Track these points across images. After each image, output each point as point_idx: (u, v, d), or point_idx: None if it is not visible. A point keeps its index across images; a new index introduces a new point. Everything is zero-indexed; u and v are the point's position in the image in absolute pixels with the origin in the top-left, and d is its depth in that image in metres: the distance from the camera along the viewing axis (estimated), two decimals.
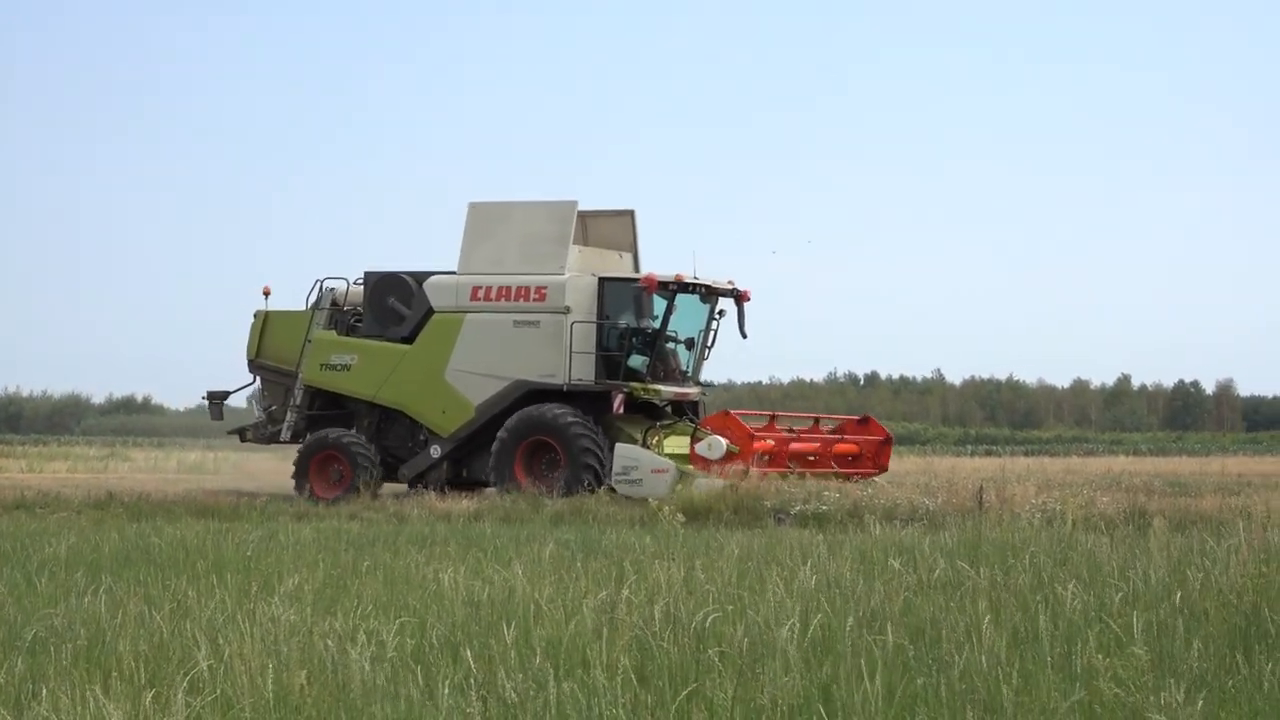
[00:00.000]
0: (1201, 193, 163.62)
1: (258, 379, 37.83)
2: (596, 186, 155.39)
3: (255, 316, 37.45)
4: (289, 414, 36.64)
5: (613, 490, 31.86)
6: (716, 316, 35.59)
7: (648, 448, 33.10)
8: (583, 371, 33.89)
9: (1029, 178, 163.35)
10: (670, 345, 35.12)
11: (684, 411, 35.54)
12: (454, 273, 35.42)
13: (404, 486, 35.73)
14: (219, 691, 9.81)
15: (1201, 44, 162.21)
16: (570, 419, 33.14)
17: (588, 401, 33.79)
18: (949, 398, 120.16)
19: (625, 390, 33.78)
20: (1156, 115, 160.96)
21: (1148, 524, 20.24)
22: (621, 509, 28.55)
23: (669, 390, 34.71)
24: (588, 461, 32.66)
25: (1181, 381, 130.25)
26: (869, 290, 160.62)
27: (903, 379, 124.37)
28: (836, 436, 35.14)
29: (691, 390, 35.51)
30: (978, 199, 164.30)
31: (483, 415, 34.42)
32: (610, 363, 34.05)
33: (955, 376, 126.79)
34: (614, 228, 36.49)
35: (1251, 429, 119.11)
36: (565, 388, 33.75)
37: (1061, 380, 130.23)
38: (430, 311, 35.30)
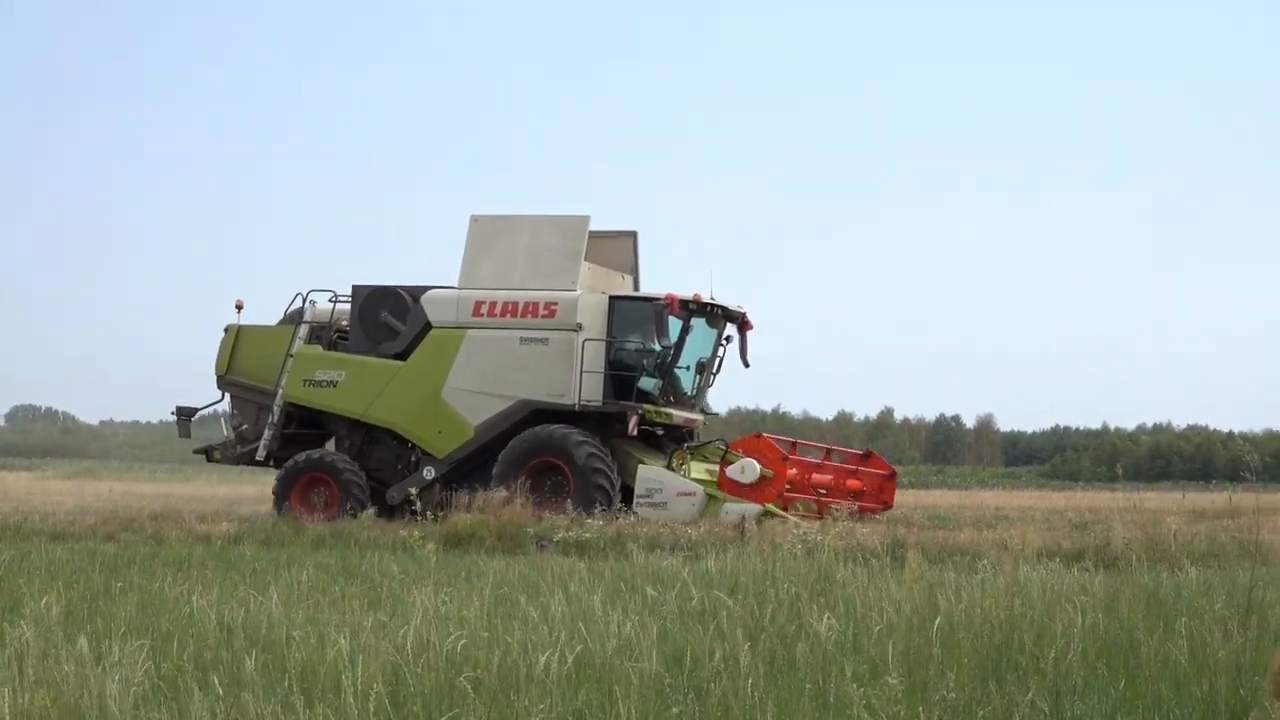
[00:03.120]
0: (964, 226, 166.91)
1: (226, 396, 36.03)
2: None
3: (226, 331, 35.71)
4: (266, 432, 35.15)
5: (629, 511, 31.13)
6: (724, 342, 34.94)
7: (672, 470, 32.41)
8: (592, 392, 32.78)
9: (785, 206, 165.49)
10: (680, 370, 34.22)
11: (679, 438, 34.56)
12: (453, 287, 34.18)
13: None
14: None
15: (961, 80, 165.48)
16: (580, 439, 32.12)
17: (593, 423, 32.84)
18: (714, 428, 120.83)
19: (639, 412, 32.73)
20: (930, 140, 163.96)
21: (905, 555, 20.41)
22: (384, 533, 28.27)
23: (679, 415, 33.83)
24: (599, 483, 31.66)
25: (943, 415, 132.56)
26: None
27: None
28: (850, 468, 34.19)
29: (697, 416, 34.85)
30: (734, 225, 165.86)
31: (482, 436, 33.24)
32: (621, 383, 33.10)
33: (721, 407, 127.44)
34: (615, 249, 35.51)
35: (1010, 463, 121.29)
36: (576, 407, 32.69)
37: (826, 412, 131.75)
38: (427, 327, 33.99)
